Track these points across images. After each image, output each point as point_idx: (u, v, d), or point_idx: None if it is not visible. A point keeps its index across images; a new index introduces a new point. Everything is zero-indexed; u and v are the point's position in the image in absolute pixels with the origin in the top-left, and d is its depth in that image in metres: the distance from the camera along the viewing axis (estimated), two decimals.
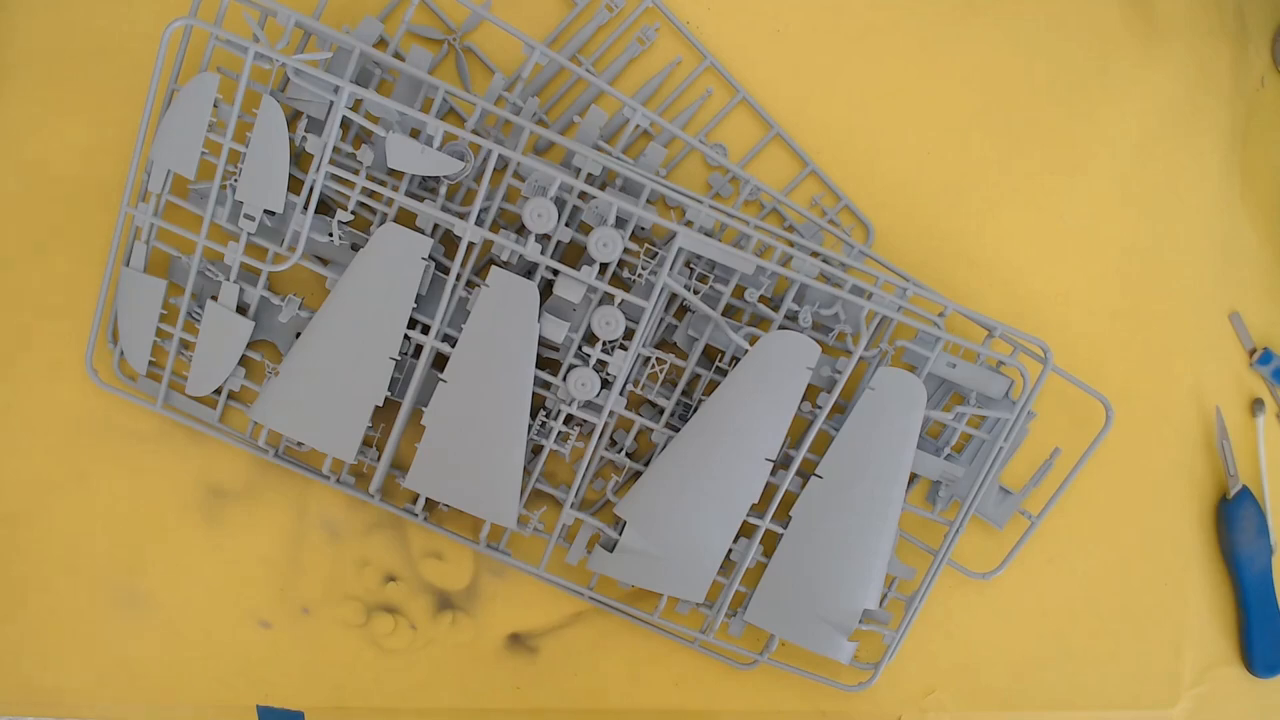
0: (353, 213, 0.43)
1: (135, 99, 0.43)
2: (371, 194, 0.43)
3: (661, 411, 0.46)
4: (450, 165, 0.41)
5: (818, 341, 0.44)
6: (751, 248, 0.44)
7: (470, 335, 0.42)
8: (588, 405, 0.44)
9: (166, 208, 0.43)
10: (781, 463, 0.45)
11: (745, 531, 0.45)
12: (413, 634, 0.47)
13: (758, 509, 0.45)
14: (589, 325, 0.43)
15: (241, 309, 0.44)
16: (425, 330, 0.43)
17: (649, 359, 0.45)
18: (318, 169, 0.42)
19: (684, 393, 0.46)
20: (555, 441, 0.45)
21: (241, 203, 0.42)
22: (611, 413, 0.44)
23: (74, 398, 0.45)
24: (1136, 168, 0.51)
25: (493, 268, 0.43)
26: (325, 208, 0.44)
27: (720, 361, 0.45)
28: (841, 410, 0.46)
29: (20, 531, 0.45)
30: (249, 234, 0.43)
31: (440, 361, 0.44)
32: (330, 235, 0.43)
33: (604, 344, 0.43)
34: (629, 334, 0.44)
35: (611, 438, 0.47)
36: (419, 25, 0.46)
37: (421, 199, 0.43)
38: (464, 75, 0.47)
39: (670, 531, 0.44)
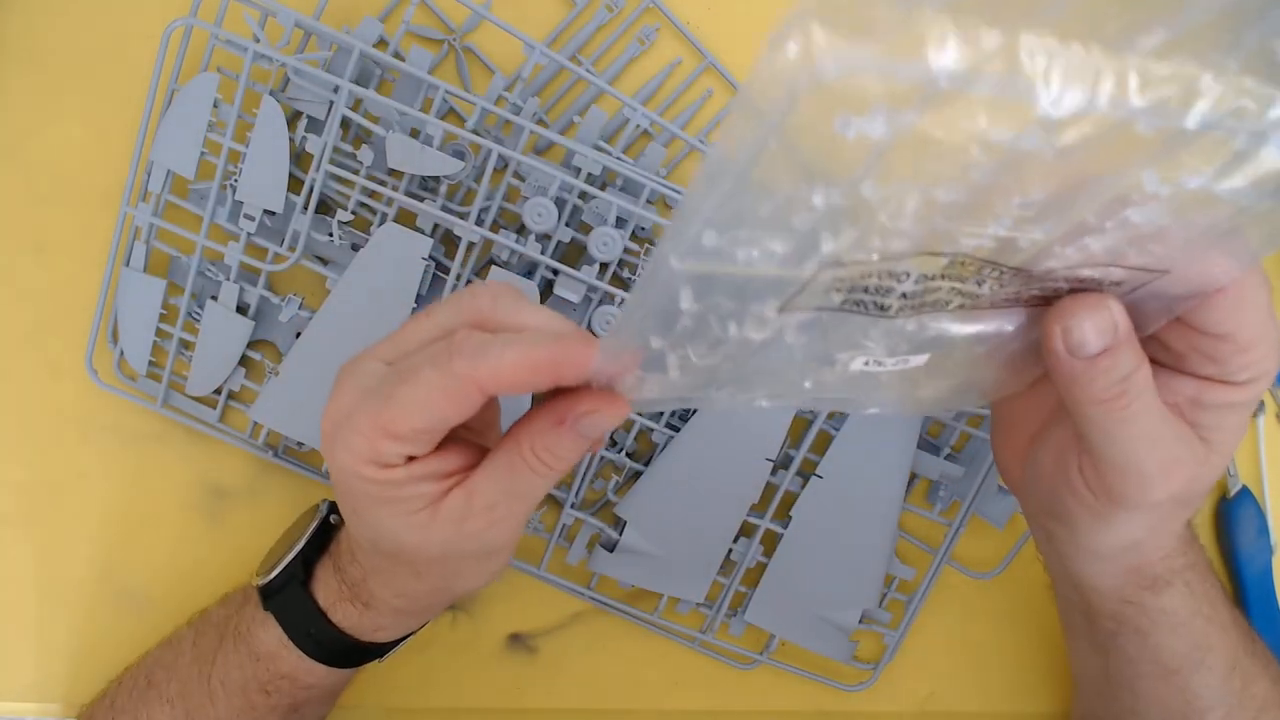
0: (353, 213, 0.43)
1: (135, 99, 0.43)
2: (371, 194, 0.43)
3: (662, 412, 0.46)
4: (450, 165, 0.41)
5: None
6: None
7: None
8: None
9: (166, 208, 0.43)
10: (781, 463, 0.45)
11: (746, 531, 0.45)
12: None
13: (758, 509, 0.45)
14: (589, 325, 0.43)
15: (241, 309, 0.44)
16: None
17: None
18: (318, 169, 0.42)
19: None
20: None
21: (241, 203, 0.42)
22: None
23: (74, 398, 0.45)
24: None
25: (493, 267, 0.43)
26: (325, 208, 0.44)
27: None
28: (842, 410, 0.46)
29: (20, 531, 0.45)
30: (249, 234, 0.43)
31: None
32: (330, 235, 0.43)
33: None
34: None
35: (612, 438, 0.46)
36: (419, 25, 0.46)
37: (421, 199, 0.43)
38: (464, 75, 0.47)
39: (670, 531, 0.44)
